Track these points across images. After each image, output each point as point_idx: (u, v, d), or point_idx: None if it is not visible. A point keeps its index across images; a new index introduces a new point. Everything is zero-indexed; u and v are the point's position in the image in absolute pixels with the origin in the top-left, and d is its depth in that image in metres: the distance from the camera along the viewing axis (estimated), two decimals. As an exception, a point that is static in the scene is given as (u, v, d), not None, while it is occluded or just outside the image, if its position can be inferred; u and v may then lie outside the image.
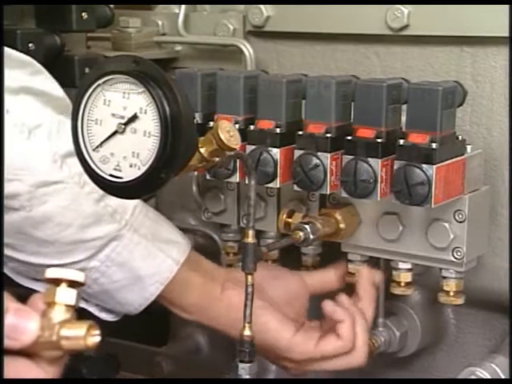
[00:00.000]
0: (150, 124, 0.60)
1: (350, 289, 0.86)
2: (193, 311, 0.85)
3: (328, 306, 0.83)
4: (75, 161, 0.76)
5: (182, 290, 0.84)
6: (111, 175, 0.63)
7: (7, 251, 0.80)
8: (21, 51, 0.79)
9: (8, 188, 0.75)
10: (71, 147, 0.74)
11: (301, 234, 0.81)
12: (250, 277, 0.71)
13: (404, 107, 0.78)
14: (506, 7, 0.80)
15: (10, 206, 0.76)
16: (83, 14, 0.85)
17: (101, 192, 0.78)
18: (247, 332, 0.71)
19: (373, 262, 0.87)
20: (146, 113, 0.60)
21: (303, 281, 0.88)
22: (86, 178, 0.77)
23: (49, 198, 0.77)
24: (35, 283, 0.81)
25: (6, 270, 0.82)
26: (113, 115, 0.62)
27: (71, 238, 0.78)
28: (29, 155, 0.76)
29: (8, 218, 0.77)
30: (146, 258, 0.81)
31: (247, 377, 0.72)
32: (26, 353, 0.53)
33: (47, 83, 0.79)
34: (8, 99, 0.75)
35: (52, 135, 0.77)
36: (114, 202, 0.80)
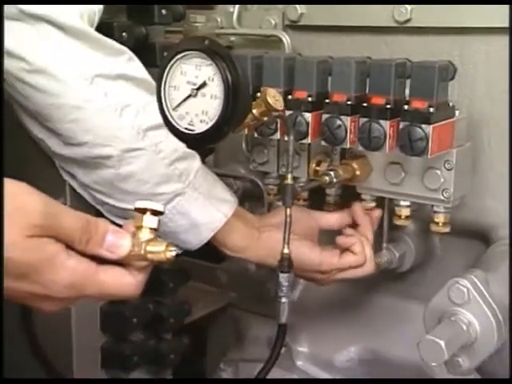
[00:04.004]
0: (216, 89, 0.59)
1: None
2: (238, 250, 0.83)
3: (341, 238, 0.82)
4: (154, 134, 0.75)
5: (229, 234, 0.82)
6: (186, 128, 0.62)
7: (103, 197, 0.79)
8: (116, 39, 0.78)
9: (103, 151, 0.75)
10: (152, 123, 0.74)
11: (327, 178, 0.79)
12: (288, 209, 0.70)
13: (407, 81, 0.75)
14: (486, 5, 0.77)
15: (104, 164, 0.76)
16: (163, 10, 0.84)
17: (172, 158, 0.78)
18: (286, 250, 0.70)
19: (380, 201, 0.85)
20: (213, 80, 0.59)
21: (313, 217, 0.86)
22: (161, 147, 0.77)
23: (133, 160, 0.76)
24: (123, 220, 0.81)
25: (103, 211, 0.81)
26: (187, 82, 0.61)
27: (147, 191, 0.77)
28: (120, 128, 0.75)
29: (103, 173, 0.76)
30: (202, 210, 0.80)
31: (286, 284, 0.71)
32: (121, 263, 0.53)
33: (137, 69, 0.77)
34: (107, 84, 0.74)
35: (139, 113, 0.75)
36: (181, 166, 0.78)
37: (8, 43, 0.69)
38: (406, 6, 0.82)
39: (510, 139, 0.79)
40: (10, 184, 0.49)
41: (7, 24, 0.68)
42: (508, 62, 0.77)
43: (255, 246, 0.82)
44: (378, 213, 0.85)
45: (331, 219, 0.86)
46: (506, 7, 0.76)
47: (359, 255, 0.81)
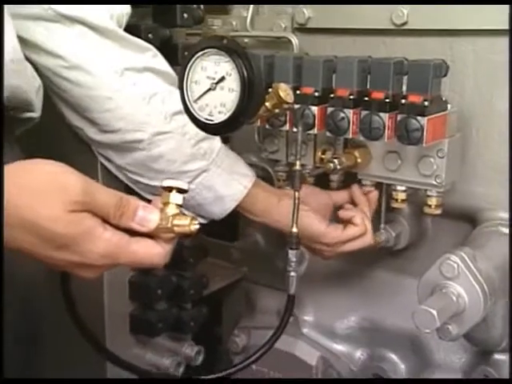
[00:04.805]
0: (233, 83, 0.59)
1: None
2: (259, 215, 0.83)
3: (342, 212, 0.82)
4: (180, 118, 0.75)
5: (250, 201, 0.82)
6: (206, 119, 0.61)
7: (137, 177, 0.79)
8: (143, 40, 0.77)
9: (135, 135, 0.75)
10: (177, 108, 0.73)
11: (331, 165, 0.79)
12: (296, 193, 0.69)
13: (405, 78, 0.73)
14: (477, 6, 0.75)
15: (136, 147, 0.76)
16: (184, 14, 0.83)
17: (196, 139, 0.77)
18: (294, 229, 0.70)
19: (379, 186, 0.84)
20: (230, 75, 0.58)
21: (330, 196, 0.86)
22: (186, 129, 0.76)
23: (162, 142, 0.76)
24: (154, 197, 0.81)
25: (137, 189, 0.81)
26: (207, 77, 0.60)
27: (176, 169, 0.77)
28: (149, 114, 0.75)
29: (135, 155, 0.77)
30: (225, 184, 0.80)
31: (294, 259, 0.71)
32: (151, 235, 0.53)
33: (162, 63, 0.77)
34: (135, 76, 0.74)
35: (165, 100, 0.75)
36: (205, 145, 0.78)
37: (47, 43, 0.69)
38: (403, 10, 0.81)
39: (509, 133, 0.77)
40: (50, 164, 0.49)
41: (47, 25, 0.68)
42: (506, 62, 0.75)
43: (276, 211, 0.81)
44: (374, 193, 0.84)
45: (344, 194, 0.86)
46: (494, 10, 0.75)
47: (360, 226, 0.81)
